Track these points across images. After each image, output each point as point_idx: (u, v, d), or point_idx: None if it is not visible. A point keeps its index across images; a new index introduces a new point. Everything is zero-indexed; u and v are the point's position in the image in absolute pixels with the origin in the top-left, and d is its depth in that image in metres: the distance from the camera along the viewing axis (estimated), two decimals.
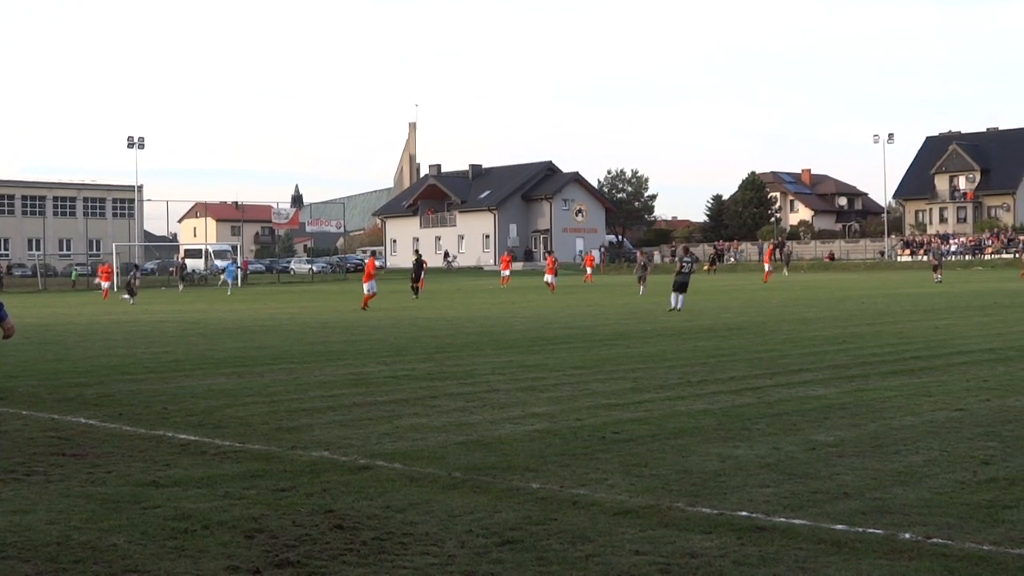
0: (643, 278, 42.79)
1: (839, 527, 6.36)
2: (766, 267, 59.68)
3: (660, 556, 5.85)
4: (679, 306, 28.96)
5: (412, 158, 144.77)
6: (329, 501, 7.19)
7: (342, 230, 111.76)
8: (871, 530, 6.29)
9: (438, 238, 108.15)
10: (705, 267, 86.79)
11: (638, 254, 54.70)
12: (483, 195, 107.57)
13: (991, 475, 7.77)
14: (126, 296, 47.58)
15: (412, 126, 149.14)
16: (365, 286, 35.80)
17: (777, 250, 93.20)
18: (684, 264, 30.11)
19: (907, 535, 6.18)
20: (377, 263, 42.86)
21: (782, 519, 6.57)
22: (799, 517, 6.61)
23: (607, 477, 7.85)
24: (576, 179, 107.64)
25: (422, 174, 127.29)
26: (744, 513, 6.72)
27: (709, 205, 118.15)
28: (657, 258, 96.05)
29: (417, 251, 54.09)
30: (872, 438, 9.30)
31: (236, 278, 62.89)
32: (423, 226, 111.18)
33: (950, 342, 18.61)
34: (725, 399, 11.84)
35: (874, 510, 6.76)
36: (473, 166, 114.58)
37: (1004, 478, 7.68)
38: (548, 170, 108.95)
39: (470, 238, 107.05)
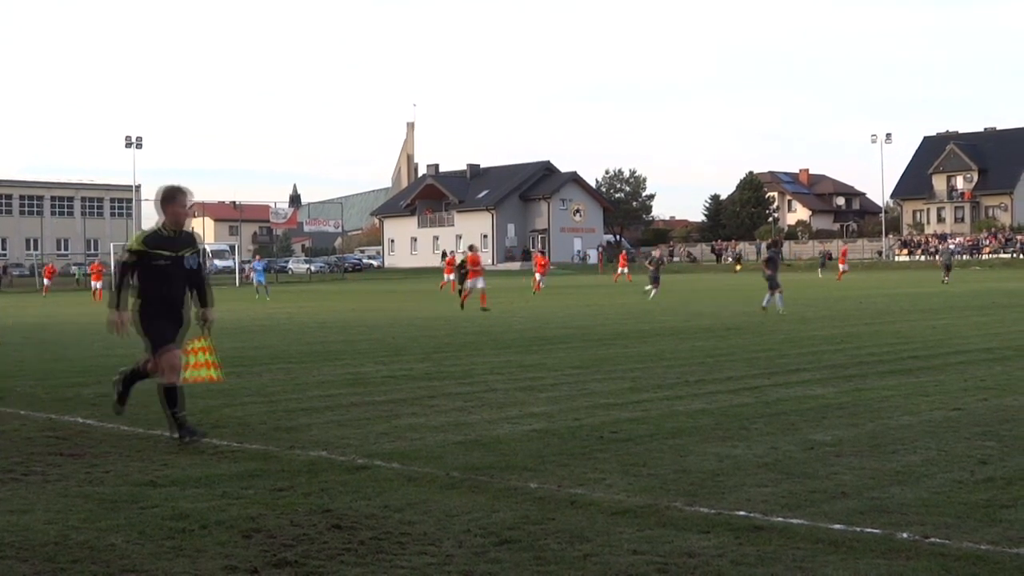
0: (657, 279, 39.84)
1: (837, 527, 6.36)
2: (841, 267, 61.54)
3: (658, 555, 5.84)
4: (766, 304, 27.03)
5: (410, 158, 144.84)
6: (327, 501, 7.19)
7: (340, 230, 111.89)
8: (869, 529, 6.29)
9: (436, 238, 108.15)
10: (736, 267, 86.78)
11: (654, 251, 52.24)
12: (481, 195, 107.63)
13: (988, 475, 7.77)
14: None
15: (410, 126, 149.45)
16: (479, 282, 32.15)
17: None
18: (771, 254, 28.68)
19: (905, 534, 6.18)
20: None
21: (780, 519, 6.57)
22: (797, 516, 6.61)
23: (605, 477, 7.84)
24: (574, 179, 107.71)
25: (420, 174, 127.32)
26: (742, 513, 6.72)
27: (707, 205, 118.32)
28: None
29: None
30: (870, 438, 9.30)
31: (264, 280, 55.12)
32: (421, 226, 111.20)
33: (948, 342, 18.62)
34: (723, 399, 11.84)
35: (872, 509, 6.76)
36: (471, 166, 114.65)
37: (1002, 477, 7.68)
38: (546, 170, 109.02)
39: (468, 238, 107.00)
